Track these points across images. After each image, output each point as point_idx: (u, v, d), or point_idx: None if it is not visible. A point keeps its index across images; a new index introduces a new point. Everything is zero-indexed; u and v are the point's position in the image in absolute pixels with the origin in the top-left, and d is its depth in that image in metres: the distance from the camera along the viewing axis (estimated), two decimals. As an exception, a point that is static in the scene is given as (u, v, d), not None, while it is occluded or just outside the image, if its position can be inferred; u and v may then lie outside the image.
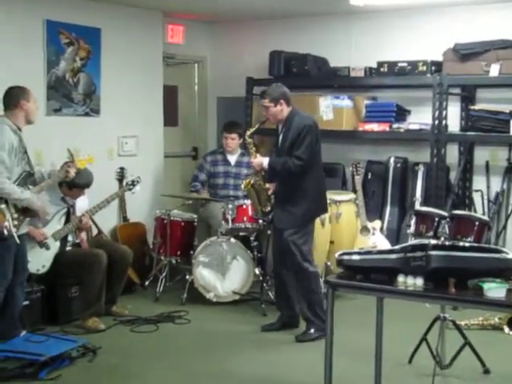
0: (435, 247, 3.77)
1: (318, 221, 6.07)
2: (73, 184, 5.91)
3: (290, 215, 5.58)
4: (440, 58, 7.02)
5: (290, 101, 5.64)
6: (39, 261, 5.78)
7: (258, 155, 5.75)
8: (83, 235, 6.19)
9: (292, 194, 5.58)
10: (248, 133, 5.92)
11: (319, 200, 5.76)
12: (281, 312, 5.89)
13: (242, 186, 5.93)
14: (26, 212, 5.17)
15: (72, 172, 5.44)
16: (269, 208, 5.79)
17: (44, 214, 5.35)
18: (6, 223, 5.01)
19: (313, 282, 5.65)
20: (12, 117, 5.14)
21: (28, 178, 5.21)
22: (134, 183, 6.50)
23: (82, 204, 6.18)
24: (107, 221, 6.96)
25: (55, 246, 5.87)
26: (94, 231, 6.73)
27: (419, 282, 3.75)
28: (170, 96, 8.27)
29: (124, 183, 6.66)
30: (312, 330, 5.62)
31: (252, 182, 5.77)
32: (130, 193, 6.59)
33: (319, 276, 5.90)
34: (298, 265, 5.56)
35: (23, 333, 5.38)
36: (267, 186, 5.76)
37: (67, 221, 5.97)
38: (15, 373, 4.70)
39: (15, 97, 5.16)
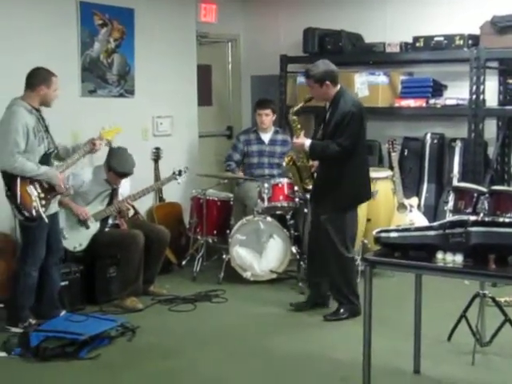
0: (475, 223, 3.72)
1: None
2: (110, 167, 5.94)
3: (329, 199, 5.48)
4: (477, 32, 6.91)
5: (336, 80, 5.44)
6: (77, 239, 5.85)
7: (301, 134, 5.60)
8: (123, 221, 6.22)
9: (333, 177, 5.48)
10: (293, 110, 5.75)
11: (361, 186, 5.62)
12: (312, 291, 5.86)
13: (284, 163, 5.85)
14: (52, 192, 5.21)
15: (98, 145, 5.46)
16: (310, 185, 5.71)
17: (62, 190, 5.30)
18: (34, 203, 5.06)
19: (346, 266, 5.59)
20: (28, 98, 5.15)
21: (52, 156, 5.25)
22: (180, 173, 6.44)
23: (124, 188, 6.20)
24: (143, 201, 6.97)
25: (95, 226, 5.91)
26: (131, 212, 6.75)
27: (459, 258, 3.72)
28: (204, 75, 8.24)
29: (169, 171, 6.62)
30: (341, 311, 5.58)
31: (294, 158, 5.70)
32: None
33: (354, 262, 5.86)
34: (334, 248, 5.50)
35: (63, 312, 5.45)
36: (311, 163, 5.69)
37: (110, 203, 6.01)
38: (56, 352, 4.75)
39: (36, 80, 5.16)
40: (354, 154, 5.42)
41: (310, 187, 5.71)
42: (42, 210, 5.10)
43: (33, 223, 5.11)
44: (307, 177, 5.70)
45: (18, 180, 5.03)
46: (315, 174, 5.68)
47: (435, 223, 3.92)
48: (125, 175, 6.02)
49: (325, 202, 5.52)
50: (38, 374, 4.59)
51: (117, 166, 5.93)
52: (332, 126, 5.40)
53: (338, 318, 5.55)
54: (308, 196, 5.91)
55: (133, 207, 6.55)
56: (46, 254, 5.31)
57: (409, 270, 4.05)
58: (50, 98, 5.23)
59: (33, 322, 5.26)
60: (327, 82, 5.40)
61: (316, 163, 5.65)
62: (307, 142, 5.51)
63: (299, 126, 5.67)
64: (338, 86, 5.48)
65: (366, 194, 5.75)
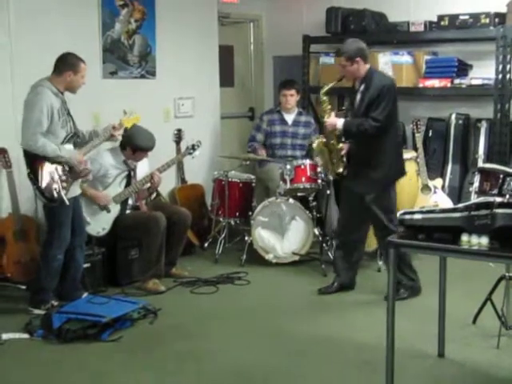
0: (501, 205, 3.65)
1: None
2: (136, 147, 5.94)
3: (370, 179, 5.40)
4: (504, 10, 6.78)
5: (367, 57, 5.42)
6: (100, 223, 5.85)
7: (332, 114, 5.55)
8: (143, 202, 6.21)
9: (370, 157, 5.40)
10: (323, 90, 5.67)
11: (397, 163, 5.59)
12: (338, 275, 5.79)
13: (314, 146, 5.78)
14: (73, 174, 5.19)
15: (117, 134, 5.44)
16: (341, 169, 5.62)
17: (82, 171, 5.27)
18: (55, 185, 5.06)
19: None
20: (54, 81, 5.15)
21: (74, 140, 5.24)
22: (194, 147, 6.44)
23: (143, 167, 6.19)
24: (165, 183, 6.93)
25: (116, 209, 5.91)
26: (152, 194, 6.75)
27: (484, 240, 3.64)
28: (226, 56, 8.18)
29: (184, 147, 6.62)
30: (402, 290, 5.48)
31: (324, 141, 5.63)
32: (189, 157, 6.54)
33: None
34: (385, 227, 5.38)
35: (85, 294, 5.46)
36: (340, 145, 5.60)
37: (128, 184, 6.00)
38: (78, 334, 4.75)
39: (64, 65, 5.15)
40: (390, 129, 5.38)
41: (340, 170, 5.62)
42: (63, 192, 5.09)
43: (54, 204, 5.11)
44: (338, 160, 5.61)
45: (40, 161, 5.02)
46: (344, 158, 5.58)
47: (460, 205, 3.84)
48: (151, 148, 6.06)
49: (367, 183, 5.43)
50: (60, 355, 4.60)
51: (143, 143, 5.96)
52: (366, 102, 5.34)
53: (399, 298, 5.28)
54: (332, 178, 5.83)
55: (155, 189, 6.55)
56: (71, 236, 5.32)
57: (433, 252, 3.98)
58: (78, 84, 5.24)
59: (55, 303, 5.28)
60: (358, 59, 5.35)
61: (345, 146, 5.57)
62: (340, 122, 5.44)
63: (330, 107, 5.61)
64: (368, 65, 5.44)
65: (401, 172, 5.72)
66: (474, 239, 3.67)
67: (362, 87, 5.41)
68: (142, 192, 6.18)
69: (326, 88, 5.68)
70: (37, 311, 5.21)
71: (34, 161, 5.05)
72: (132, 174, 6.03)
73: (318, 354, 4.60)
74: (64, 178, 5.12)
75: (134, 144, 5.92)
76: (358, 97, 5.44)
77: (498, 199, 3.75)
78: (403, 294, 5.48)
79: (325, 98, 5.65)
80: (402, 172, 5.71)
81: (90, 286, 5.66)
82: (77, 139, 5.29)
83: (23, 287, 5.60)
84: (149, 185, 6.07)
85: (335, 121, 5.48)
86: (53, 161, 5.06)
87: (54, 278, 5.32)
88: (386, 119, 5.30)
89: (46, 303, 5.25)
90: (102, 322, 4.81)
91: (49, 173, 5.06)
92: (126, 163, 6.00)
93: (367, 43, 7.22)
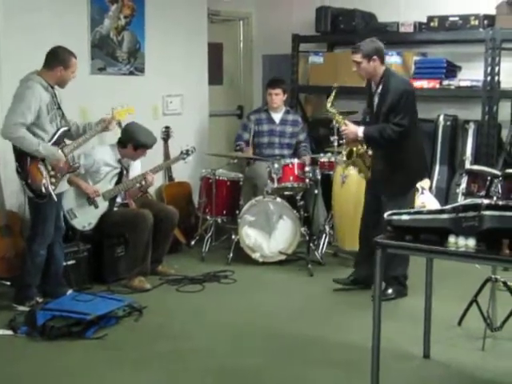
0: (488, 207, 3.65)
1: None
2: (139, 143, 5.94)
3: (393, 181, 5.37)
4: (493, 12, 6.81)
5: (384, 57, 5.38)
6: (86, 218, 5.83)
7: (348, 123, 5.46)
8: (133, 203, 6.18)
9: (395, 159, 5.37)
10: (328, 103, 5.60)
11: (419, 167, 5.59)
12: (355, 270, 5.78)
13: (345, 158, 5.71)
14: (62, 169, 5.16)
15: (111, 126, 5.43)
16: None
17: (62, 169, 5.21)
18: (44, 181, 5.03)
19: None
20: (44, 75, 5.11)
21: (65, 134, 5.21)
22: (188, 153, 6.41)
23: (136, 167, 6.18)
24: (153, 180, 6.94)
25: (104, 205, 5.88)
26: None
27: (471, 242, 3.64)
28: (215, 54, 8.16)
29: (175, 148, 6.59)
30: (390, 291, 5.49)
31: (354, 149, 5.52)
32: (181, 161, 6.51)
33: None
34: None
35: (69, 291, 5.43)
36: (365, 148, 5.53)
37: (118, 182, 5.98)
38: (62, 331, 4.72)
39: (55, 60, 5.12)
40: (412, 132, 5.36)
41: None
42: (51, 187, 5.06)
43: (42, 200, 5.08)
44: (369, 163, 5.53)
45: (29, 156, 4.99)
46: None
47: (448, 206, 3.84)
48: (153, 144, 6.10)
49: (388, 184, 5.40)
50: (44, 352, 4.57)
51: (145, 139, 5.98)
52: (387, 106, 5.29)
53: (387, 298, 5.37)
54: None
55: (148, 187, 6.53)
56: None
57: (420, 253, 3.98)
58: (68, 78, 5.21)
59: (40, 300, 5.25)
60: (375, 57, 5.31)
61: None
62: (360, 130, 5.38)
63: (341, 117, 5.55)
64: (384, 66, 5.41)
65: (422, 175, 5.74)
66: (461, 241, 3.67)
67: (380, 89, 5.36)
68: (134, 190, 6.15)
69: (330, 100, 5.59)
70: (21, 308, 5.18)
71: (22, 155, 5.01)
72: (125, 172, 6.01)
73: (304, 354, 4.59)
74: (53, 173, 5.10)
75: (136, 141, 5.92)
76: (376, 99, 5.40)
77: (486, 201, 3.75)
78: (391, 295, 5.49)
79: (333, 110, 5.58)
80: (424, 173, 5.76)
81: (74, 282, 5.63)
82: (68, 133, 5.28)
83: (8, 283, 5.56)
84: (143, 182, 6.05)
85: (355, 129, 5.41)
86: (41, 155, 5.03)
87: (37, 274, 5.29)
88: (408, 123, 5.28)
89: (30, 300, 5.22)
90: (87, 320, 4.79)
91: (37, 168, 5.03)
92: (121, 162, 5.99)
93: (356, 43, 7.24)
